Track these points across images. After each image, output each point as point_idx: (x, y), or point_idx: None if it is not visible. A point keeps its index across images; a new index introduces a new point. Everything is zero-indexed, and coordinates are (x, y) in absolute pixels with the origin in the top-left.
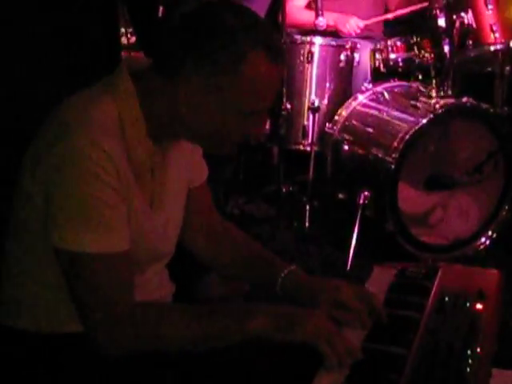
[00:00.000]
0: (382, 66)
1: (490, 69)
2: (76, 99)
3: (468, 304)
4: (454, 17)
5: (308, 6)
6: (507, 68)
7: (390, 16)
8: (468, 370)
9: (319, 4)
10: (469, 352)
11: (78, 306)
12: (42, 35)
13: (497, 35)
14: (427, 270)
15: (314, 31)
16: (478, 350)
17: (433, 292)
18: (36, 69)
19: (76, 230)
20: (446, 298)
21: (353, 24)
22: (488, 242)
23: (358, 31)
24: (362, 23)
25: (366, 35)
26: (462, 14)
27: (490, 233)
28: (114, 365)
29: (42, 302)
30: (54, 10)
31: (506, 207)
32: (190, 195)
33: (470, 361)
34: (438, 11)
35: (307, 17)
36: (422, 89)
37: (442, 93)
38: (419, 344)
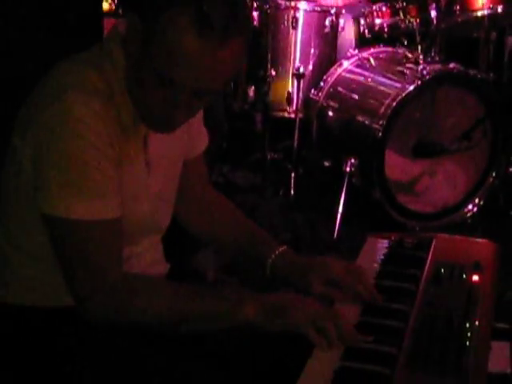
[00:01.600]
0: (367, 31)
1: (475, 34)
2: (69, 63)
3: (464, 276)
4: None
5: None
6: (493, 33)
7: None
8: (467, 343)
9: None
10: (467, 325)
11: (68, 274)
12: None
13: (484, 0)
14: (421, 240)
15: None
16: (477, 323)
17: (428, 263)
18: (16, 35)
19: (67, 196)
20: (442, 270)
21: None
22: (475, 210)
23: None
24: None
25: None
26: None
27: (477, 200)
28: (98, 340)
29: (28, 275)
30: None
31: (494, 174)
32: (186, 166)
33: (469, 334)
34: None
35: None
36: (408, 54)
37: (428, 59)
38: (417, 317)
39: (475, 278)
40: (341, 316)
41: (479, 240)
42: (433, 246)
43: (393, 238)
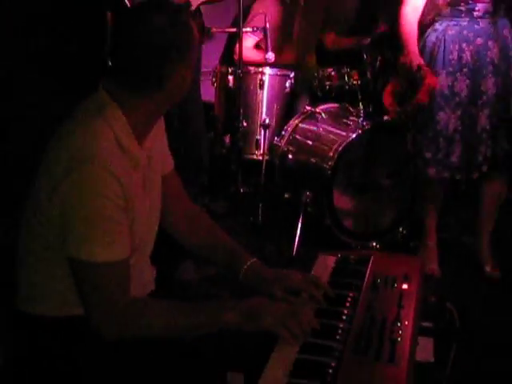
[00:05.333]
0: (318, 91)
1: None
2: (77, 131)
3: (396, 285)
4: (379, 54)
5: (254, 47)
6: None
7: None
8: (399, 339)
9: (268, 42)
10: (399, 324)
11: (85, 303)
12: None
13: None
14: (362, 257)
15: (264, 63)
16: (406, 322)
17: (367, 275)
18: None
19: (89, 243)
20: (378, 280)
21: None
22: (404, 232)
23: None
24: None
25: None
26: (384, 51)
27: (404, 225)
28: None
29: (55, 290)
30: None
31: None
32: (164, 181)
33: (400, 331)
34: (364, 49)
35: (254, 55)
36: (351, 109)
37: (366, 112)
38: (359, 318)
39: (404, 286)
40: (303, 315)
41: (407, 256)
42: (371, 261)
43: (339, 255)
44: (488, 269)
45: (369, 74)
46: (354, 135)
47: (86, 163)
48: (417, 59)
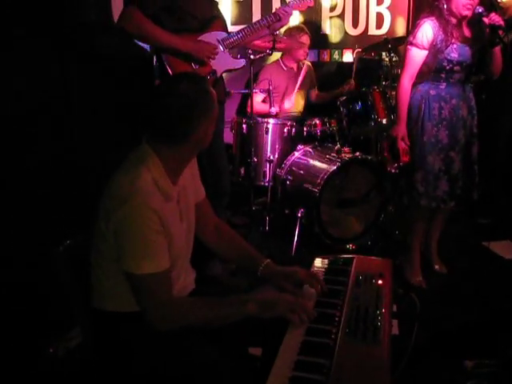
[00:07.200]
0: (308, 134)
1: (370, 135)
2: (125, 175)
3: (374, 281)
4: (351, 106)
5: (262, 101)
6: (382, 135)
7: None
8: (379, 323)
9: (272, 100)
10: (377, 312)
11: (139, 303)
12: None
13: (375, 116)
14: (347, 259)
15: (268, 115)
16: (383, 310)
17: (351, 274)
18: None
19: (136, 260)
20: (360, 277)
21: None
22: (372, 237)
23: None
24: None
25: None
26: (356, 104)
27: (372, 232)
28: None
29: (118, 293)
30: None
31: (382, 216)
32: (198, 207)
33: (379, 317)
34: (340, 103)
35: (262, 108)
36: (332, 147)
37: (343, 150)
38: (347, 307)
39: (380, 282)
40: (306, 305)
41: (381, 259)
42: (354, 263)
43: (330, 258)
44: (437, 267)
45: (344, 122)
46: (334, 167)
47: (130, 200)
48: (402, 131)
